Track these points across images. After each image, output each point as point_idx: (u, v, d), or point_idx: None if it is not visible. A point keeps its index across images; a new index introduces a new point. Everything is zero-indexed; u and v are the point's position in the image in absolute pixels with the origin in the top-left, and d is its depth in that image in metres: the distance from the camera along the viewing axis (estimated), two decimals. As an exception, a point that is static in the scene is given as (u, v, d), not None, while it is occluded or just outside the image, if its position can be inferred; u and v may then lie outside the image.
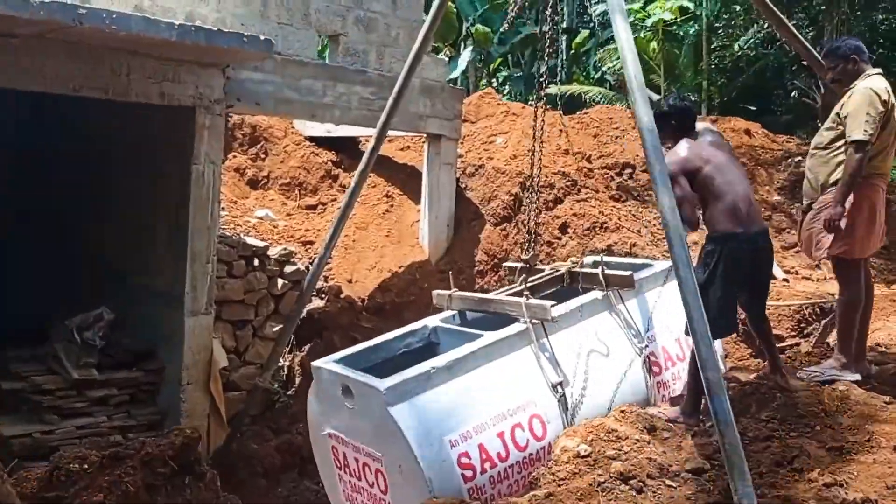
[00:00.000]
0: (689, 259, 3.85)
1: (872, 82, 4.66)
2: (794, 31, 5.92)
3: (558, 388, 4.30)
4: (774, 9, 6.00)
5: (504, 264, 6.69)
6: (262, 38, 5.78)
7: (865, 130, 4.50)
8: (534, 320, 4.44)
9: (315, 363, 4.50)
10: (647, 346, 4.75)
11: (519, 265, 5.36)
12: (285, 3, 6.96)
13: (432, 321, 4.98)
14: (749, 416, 4.21)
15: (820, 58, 5.78)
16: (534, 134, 5.27)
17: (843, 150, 4.68)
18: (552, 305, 4.46)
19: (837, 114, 4.78)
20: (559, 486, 3.69)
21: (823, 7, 10.49)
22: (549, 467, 3.99)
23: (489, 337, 4.38)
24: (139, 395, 6.50)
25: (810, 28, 13.88)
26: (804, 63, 12.68)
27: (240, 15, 6.69)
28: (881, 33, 16.57)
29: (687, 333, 3.88)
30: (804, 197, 5.09)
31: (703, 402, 4.18)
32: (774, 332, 6.68)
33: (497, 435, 4.06)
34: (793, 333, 6.62)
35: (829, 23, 10.08)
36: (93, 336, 6.49)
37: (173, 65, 5.90)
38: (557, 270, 5.21)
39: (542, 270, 5.30)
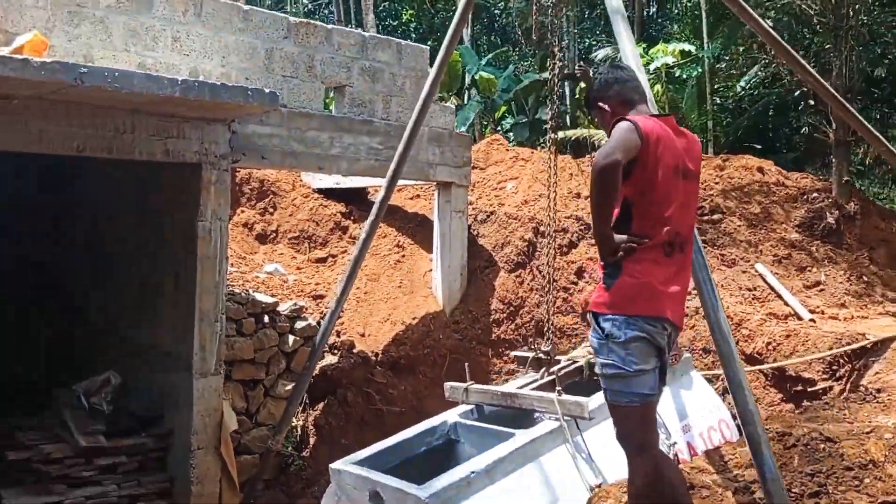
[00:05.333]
0: (719, 301, 3.65)
1: None
2: (804, 63, 5.78)
3: (596, 490, 4.07)
4: (785, 44, 5.89)
5: (512, 353, 6.55)
6: (266, 91, 5.67)
7: None
8: (566, 417, 4.24)
9: (334, 465, 4.26)
10: (674, 442, 4.55)
11: (529, 355, 5.21)
12: (290, 55, 6.90)
13: (451, 416, 4.78)
14: (793, 471, 3.95)
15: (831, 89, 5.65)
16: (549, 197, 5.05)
17: None
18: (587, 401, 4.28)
19: None
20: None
21: (830, 45, 10.40)
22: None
23: (523, 436, 4.19)
24: (148, 462, 6.25)
25: (812, 64, 13.84)
26: (810, 101, 12.68)
27: (244, 69, 6.62)
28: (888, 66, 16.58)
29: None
30: None
31: None
32: (805, 374, 6.45)
33: None
34: (824, 377, 6.36)
35: (838, 58, 9.97)
36: (100, 401, 6.29)
37: (177, 121, 5.80)
38: (576, 361, 5.03)
39: (558, 361, 5.12)
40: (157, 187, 6.42)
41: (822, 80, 5.83)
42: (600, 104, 3.33)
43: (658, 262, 2.99)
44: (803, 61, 5.80)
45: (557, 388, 4.42)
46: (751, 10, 5.62)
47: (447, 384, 4.95)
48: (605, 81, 3.39)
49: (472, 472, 3.91)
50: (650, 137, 2.98)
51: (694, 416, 4.82)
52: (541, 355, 5.15)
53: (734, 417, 5.49)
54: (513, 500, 3.91)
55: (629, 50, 4.25)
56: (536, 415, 4.58)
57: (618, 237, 3.00)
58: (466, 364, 5.09)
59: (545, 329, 5.31)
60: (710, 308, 3.54)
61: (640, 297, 2.95)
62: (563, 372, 4.79)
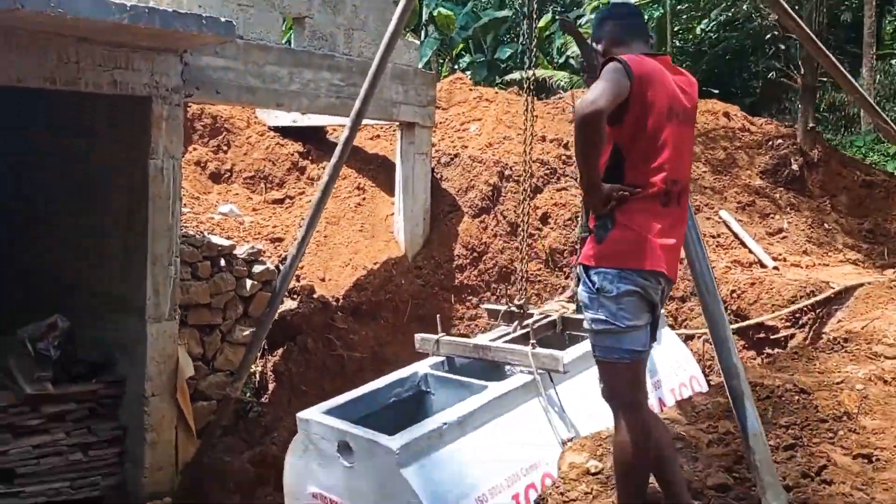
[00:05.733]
0: (706, 254, 3.53)
1: None
2: (785, 4, 5.61)
3: (571, 443, 3.99)
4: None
5: (483, 306, 6.45)
6: (222, 20, 5.31)
7: None
8: (540, 371, 4.12)
9: (302, 414, 4.09)
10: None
11: (501, 308, 5.08)
12: (247, -17, 6.48)
13: (422, 368, 4.63)
14: (768, 422, 3.91)
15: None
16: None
17: None
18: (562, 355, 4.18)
19: None
20: (574, 510, 3.36)
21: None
22: (557, 486, 3.66)
23: (496, 389, 4.07)
24: (99, 410, 6.04)
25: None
26: (780, 45, 12.60)
27: (198, -4, 6.20)
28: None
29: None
30: None
31: None
32: (768, 323, 6.47)
33: (512, 497, 3.72)
34: (787, 325, 6.38)
35: (808, 1, 9.85)
36: (47, 347, 6.00)
37: (126, 51, 5.42)
38: (548, 316, 4.91)
39: (531, 314, 5.00)
40: (105, 123, 6.05)
41: (801, 23, 5.68)
42: (594, 44, 3.12)
43: (654, 213, 2.82)
44: (783, 2, 5.62)
45: (532, 340, 4.31)
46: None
47: (417, 336, 4.80)
48: (600, 19, 3.18)
49: (445, 424, 3.80)
50: (641, 78, 2.79)
51: (664, 372, 4.77)
52: (513, 308, 5.02)
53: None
54: (485, 453, 3.82)
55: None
56: (508, 368, 4.48)
57: (608, 186, 2.83)
58: (438, 316, 4.93)
59: (518, 281, 5.17)
60: (694, 258, 3.41)
61: (633, 249, 2.79)
62: (536, 325, 4.68)
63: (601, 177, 2.84)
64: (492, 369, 4.55)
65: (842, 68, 5.74)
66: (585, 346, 4.39)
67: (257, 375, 6.74)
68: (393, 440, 3.64)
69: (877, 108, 6.66)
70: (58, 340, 6.03)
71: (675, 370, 4.88)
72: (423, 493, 3.48)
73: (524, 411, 4.06)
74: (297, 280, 7.25)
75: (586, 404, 4.09)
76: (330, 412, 4.06)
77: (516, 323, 4.83)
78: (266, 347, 6.76)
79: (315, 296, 7.18)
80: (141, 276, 5.71)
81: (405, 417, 4.15)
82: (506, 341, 4.61)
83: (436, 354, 4.67)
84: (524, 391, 4.12)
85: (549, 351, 4.24)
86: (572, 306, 5.02)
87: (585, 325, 2.97)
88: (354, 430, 3.81)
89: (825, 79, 11.67)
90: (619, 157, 2.88)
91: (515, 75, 18.44)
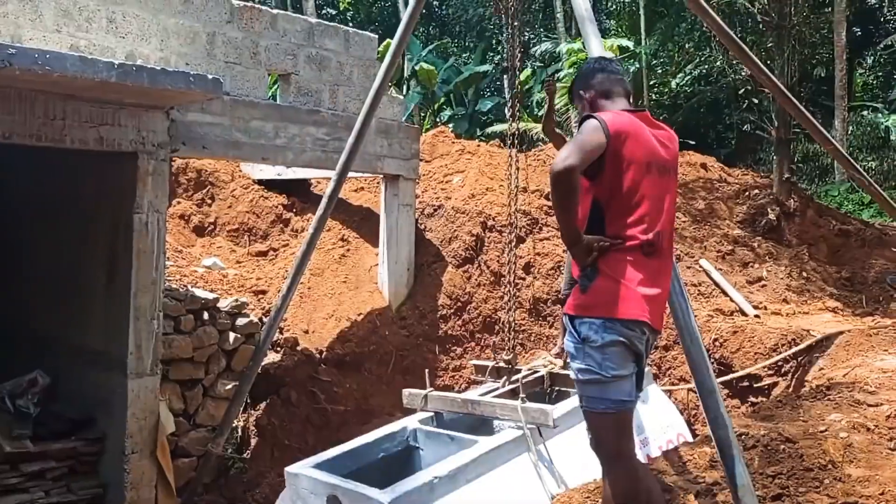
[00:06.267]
0: (689, 306, 3.58)
1: None
2: (757, 60, 5.79)
3: (558, 495, 3.99)
4: (739, 42, 5.89)
5: (471, 362, 6.49)
6: (209, 77, 5.39)
7: None
8: (530, 425, 4.14)
9: (290, 469, 4.07)
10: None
11: (489, 364, 5.12)
12: (233, 41, 6.59)
13: (411, 423, 4.63)
14: (754, 472, 3.92)
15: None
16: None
17: None
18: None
19: None
20: (564, 565, 3.33)
21: (772, 43, 10.61)
22: (547, 539, 3.64)
23: (486, 443, 4.10)
24: (79, 467, 5.92)
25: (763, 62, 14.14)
26: (754, 99, 12.95)
27: (184, 54, 6.29)
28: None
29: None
30: None
31: None
32: (753, 372, 6.50)
33: None
34: (770, 373, 6.42)
35: (780, 56, 10.17)
36: (26, 403, 5.93)
37: (113, 108, 5.46)
38: (536, 371, 4.96)
39: (519, 370, 5.05)
40: (89, 177, 6.06)
41: (774, 79, 5.86)
42: (581, 92, 3.19)
43: (636, 263, 2.87)
44: (756, 59, 5.80)
45: (521, 395, 4.31)
46: (708, 7, 5.59)
47: (405, 391, 4.78)
48: (590, 69, 3.24)
49: (435, 478, 3.78)
50: (619, 135, 2.86)
51: (652, 430, 4.78)
52: (501, 364, 5.04)
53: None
54: None
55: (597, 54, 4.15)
56: (497, 423, 4.48)
57: (589, 237, 2.88)
58: (427, 371, 4.92)
59: (504, 332, 5.19)
60: (679, 311, 3.46)
61: (618, 299, 2.83)
62: (525, 380, 4.69)
63: (582, 229, 2.89)
64: (480, 424, 4.55)
65: (814, 121, 5.90)
66: (575, 401, 4.41)
67: (239, 430, 6.66)
68: (384, 494, 3.62)
69: (849, 158, 6.82)
70: (38, 397, 5.96)
71: (662, 429, 4.90)
72: None
73: (514, 466, 4.05)
74: (281, 332, 7.21)
75: (576, 459, 4.08)
76: (319, 466, 4.02)
77: (504, 378, 4.85)
78: (248, 401, 6.69)
79: (299, 348, 7.15)
80: (123, 330, 5.65)
81: (394, 473, 4.12)
82: (494, 397, 4.61)
83: (424, 410, 4.65)
84: (514, 446, 4.12)
85: (538, 405, 4.26)
86: (559, 362, 5.04)
87: (571, 375, 2.98)
88: (345, 485, 3.78)
89: (799, 130, 11.97)
90: (598, 212, 2.94)
91: (496, 128, 18.73)
